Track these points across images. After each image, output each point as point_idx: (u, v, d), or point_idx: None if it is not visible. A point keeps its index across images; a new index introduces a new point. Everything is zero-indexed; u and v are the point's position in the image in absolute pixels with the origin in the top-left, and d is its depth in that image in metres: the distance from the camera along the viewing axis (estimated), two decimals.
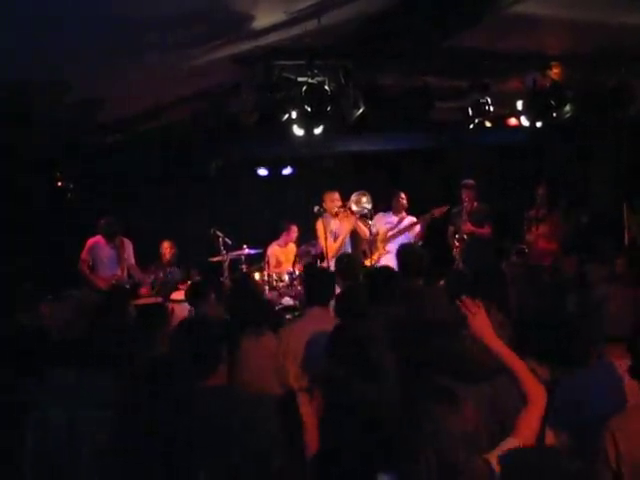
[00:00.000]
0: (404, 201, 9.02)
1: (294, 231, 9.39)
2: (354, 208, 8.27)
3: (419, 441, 2.31)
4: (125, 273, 8.37)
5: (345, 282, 5.75)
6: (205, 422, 3.00)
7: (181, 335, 3.54)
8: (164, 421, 3.01)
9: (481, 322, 3.02)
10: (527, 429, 2.75)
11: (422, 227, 8.87)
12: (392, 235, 8.76)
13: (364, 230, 8.40)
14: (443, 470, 2.27)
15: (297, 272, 8.61)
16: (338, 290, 5.27)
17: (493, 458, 2.46)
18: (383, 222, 8.85)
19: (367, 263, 8.34)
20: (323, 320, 4.54)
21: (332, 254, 8.05)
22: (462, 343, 3.21)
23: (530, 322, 3.66)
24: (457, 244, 9.11)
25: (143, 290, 8.25)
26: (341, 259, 6.29)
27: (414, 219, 8.94)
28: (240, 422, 3.06)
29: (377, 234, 8.50)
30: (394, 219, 8.97)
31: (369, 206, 8.25)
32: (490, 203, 9.21)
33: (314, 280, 5.12)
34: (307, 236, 9.15)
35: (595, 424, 2.93)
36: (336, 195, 8.43)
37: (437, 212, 8.72)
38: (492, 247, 8.95)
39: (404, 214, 9.03)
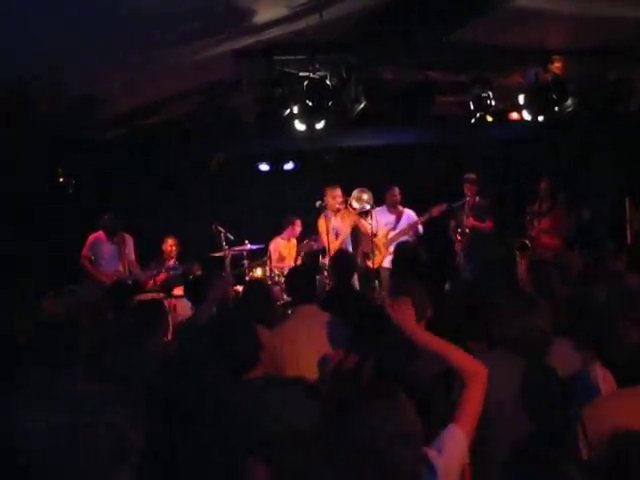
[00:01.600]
0: (398, 197, 8.84)
1: (298, 225, 9.37)
2: (355, 205, 8.23)
3: (356, 439, 2.25)
4: (126, 269, 8.35)
5: (338, 279, 5.78)
6: (249, 415, 3.01)
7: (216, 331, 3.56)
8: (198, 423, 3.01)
9: (403, 315, 2.94)
10: (469, 415, 2.63)
11: (419, 224, 8.79)
12: (393, 237, 8.68)
13: (366, 226, 8.33)
14: (380, 470, 2.23)
15: None
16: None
17: (432, 451, 2.40)
18: (383, 222, 8.70)
19: (370, 265, 8.32)
20: (313, 318, 4.53)
21: (334, 252, 8.03)
22: None
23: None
24: (459, 238, 9.08)
25: (146, 286, 8.24)
26: (335, 257, 6.30)
27: (412, 216, 8.83)
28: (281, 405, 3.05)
29: (375, 235, 8.40)
30: (392, 218, 8.83)
31: (370, 203, 8.22)
32: (492, 197, 9.19)
33: (296, 280, 5.06)
34: (309, 231, 9.13)
35: None
36: (338, 191, 8.36)
37: (436, 211, 8.63)
38: (494, 241, 8.92)
39: (400, 208, 8.87)
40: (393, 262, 6.09)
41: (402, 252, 6.01)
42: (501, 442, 2.90)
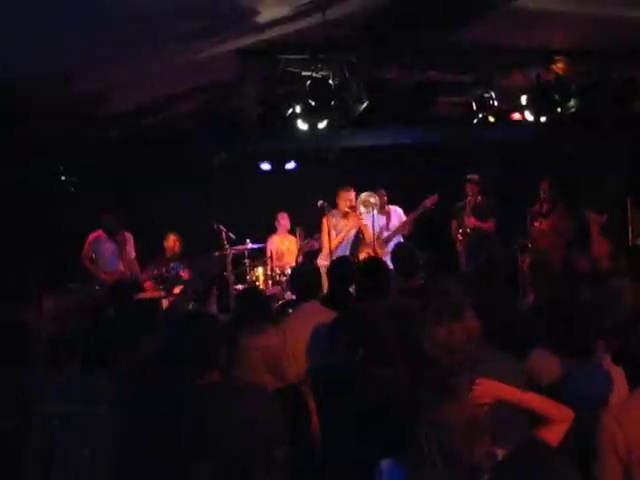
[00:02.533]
0: (385, 198, 8.73)
1: (283, 218, 9.36)
2: (362, 210, 8.18)
3: (421, 429, 2.30)
4: (127, 268, 8.34)
5: (338, 284, 5.78)
6: (203, 418, 2.99)
7: (180, 331, 3.51)
8: (161, 419, 3.01)
9: (488, 388, 2.91)
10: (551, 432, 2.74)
11: (413, 220, 8.75)
12: (386, 238, 8.64)
13: (369, 233, 8.27)
14: (445, 459, 2.27)
15: None
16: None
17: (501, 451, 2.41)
18: (376, 225, 8.64)
19: None
20: (318, 313, 4.54)
21: (327, 250, 8.01)
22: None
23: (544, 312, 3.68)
24: (461, 238, 9.10)
25: (147, 285, 8.21)
26: (336, 262, 6.27)
27: (400, 212, 8.79)
28: (238, 413, 3.04)
29: (378, 238, 8.37)
30: (382, 219, 8.75)
31: (377, 208, 8.18)
32: (494, 198, 9.19)
33: (302, 279, 5.09)
34: (311, 231, 9.11)
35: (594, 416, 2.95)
36: (351, 194, 8.24)
37: (428, 202, 8.58)
38: (496, 242, 8.91)
39: (386, 208, 8.79)
40: (394, 265, 6.07)
41: (401, 255, 5.99)
42: None
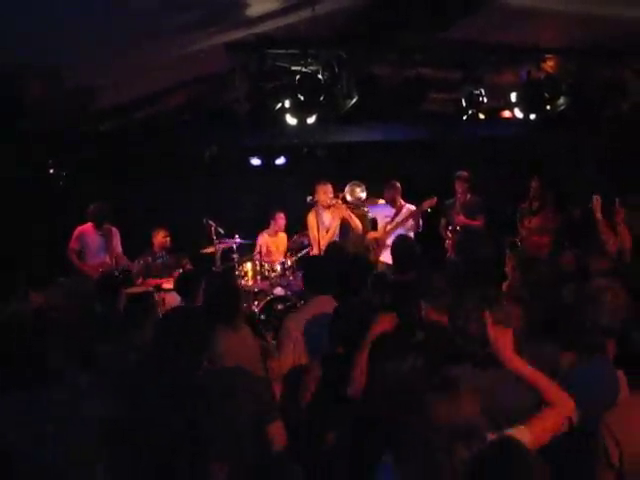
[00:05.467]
0: (398, 191, 8.81)
1: (281, 218, 9.35)
2: (348, 198, 8.21)
3: (413, 427, 2.30)
4: (113, 261, 8.30)
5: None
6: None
7: (167, 326, 3.51)
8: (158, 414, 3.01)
9: (504, 344, 2.98)
10: (540, 425, 2.72)
11: (415, 220, 8.74)
12: (390, 229, 8.65)
13: (356, 222, 8.31)
14: (428, 461, 2.26)
15: (289, 262, 8.59)
16: None
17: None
18: (382, 216, 8.72)
19: (372, 258, 8.30)
20: (328, 307, 4.53)
21: (318, 246, 8.03)
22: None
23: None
24: (450, 236, 9.10)
25: (138, 280, 8.17)
26: (329, 247, 6.30)
27: (412, 207, 8.75)
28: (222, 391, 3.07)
29: (376, 229, 8.37)
30: (391, 212, 8.78)
31: (363, 196, 8.21)
32: (483, 195, 9.19)
33: (315, 271, 5.13)
34: (300, 226, 9.10)
35: (590, 417, 2.96)
36: (329, 187, 8.29)
37: (426, 204, 8.56)
38: (485, 239, 8.92)
39: (400, 203, 8.79)
40: (393, 258, 6.09)
41: (399, 247, 6.01)
42: None
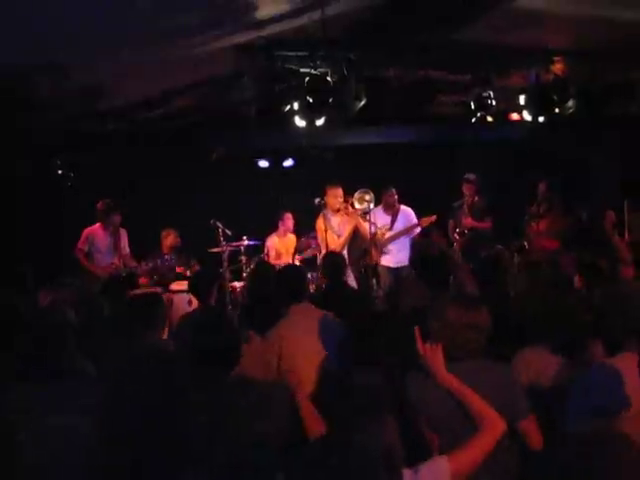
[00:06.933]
0: (395, 197, 8.80)
1: (289, 218, 9.34)
2: (357, 206, 8.13)
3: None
4: (121, 262, 8.30)
5: (329, 280, 5.84)
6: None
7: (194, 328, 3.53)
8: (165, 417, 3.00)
9: (434, 361, 3.01)
10: (466, 458, 2.64)
11: (414, 234, 8.72)
12: (390, 238, 8.65)
13: (365, 228, 8.26)
14: None
15: (297, 264, 8.57)
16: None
17: (408, 471, 2.37)
18: (379, 223, 8.61)
19: (368, 262, 8.30)
20: (309, 316, 4.56)
21: (326, 250, 7.98)
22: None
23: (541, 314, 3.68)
24: (457, 238, 9.10)
25: (142, 280, 8.19)
26: (324, 257, 6.29)
27: (409, 213, 8.78)
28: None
29: (376, 234, 8.34)
30: (388, 218, 8.78)
31: (372, 204, 8.15)
32: (491, 198, 9.18)
33: (291, 280, 4.95)
34: (308, 228, 9.08)
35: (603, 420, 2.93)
36: (339, 191, 8.16)
37: (425, 222, 8.55)
38: (492, 242, 8.89)
39: (395, 207, 8.80)
40: (411, 261, 6.01)
41: (420, 250, 5.93)
42: None
